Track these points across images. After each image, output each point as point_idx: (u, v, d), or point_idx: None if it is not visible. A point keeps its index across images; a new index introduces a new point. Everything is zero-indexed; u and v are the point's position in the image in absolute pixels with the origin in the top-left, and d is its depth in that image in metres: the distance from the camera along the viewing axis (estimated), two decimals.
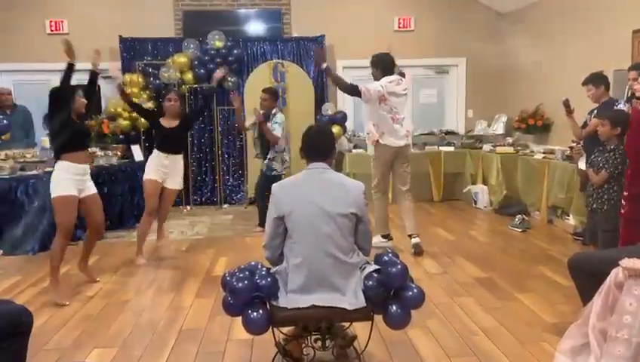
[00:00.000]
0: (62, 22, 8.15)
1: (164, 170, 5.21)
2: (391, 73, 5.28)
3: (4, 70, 8.22)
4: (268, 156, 6.10)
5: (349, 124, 8.14)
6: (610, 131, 3.94)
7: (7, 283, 4.63)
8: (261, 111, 6.05)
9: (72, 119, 4.28)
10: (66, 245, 4.29)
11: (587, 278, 3.12)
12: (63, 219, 4.18)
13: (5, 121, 6.09)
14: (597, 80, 5.02)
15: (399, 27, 8.58)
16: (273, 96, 6.20)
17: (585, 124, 5.16)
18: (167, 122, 5.27)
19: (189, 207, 7.90)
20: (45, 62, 8.15)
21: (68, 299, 4.18)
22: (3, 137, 6.10)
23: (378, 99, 5.15)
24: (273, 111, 6.14)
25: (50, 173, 4.55)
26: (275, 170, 6.09)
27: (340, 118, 7.72)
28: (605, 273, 2.78)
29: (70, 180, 4.21)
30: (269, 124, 6.01)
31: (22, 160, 5.99)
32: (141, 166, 6.84)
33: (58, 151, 4.28)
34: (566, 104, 5.21)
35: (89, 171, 4.47)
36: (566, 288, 4.14)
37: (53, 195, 4.21)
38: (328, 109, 7.79)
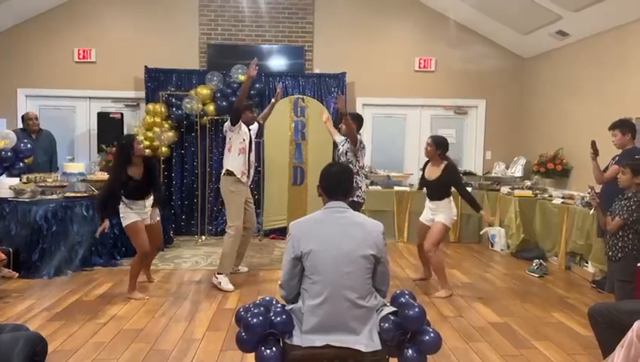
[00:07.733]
0: (90, 50, 8.35)
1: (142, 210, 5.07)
2: None
3: (30, 95, 8.41)
4: None
5: (366, 160, 8.17)
6: (632, 179, 3.91)
7: (22, 307, 4.65)
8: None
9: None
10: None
11: (607, 329, 3.06)
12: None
13: (29, 145, 6.21)
14: (625, 126, 4.99)
15: (420, 67, 8.67)
16: (352, 121, 5.37)
17: (607, 169, 5.12)
18: (135, 171, 4.90)
19: (203, 238, 7.91)
20: (71, 89, 8.37)
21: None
22: (26, 161, 6.19)
23: None
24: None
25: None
26: (358, 196, 5.45)
27: None
28: (625, 324, 2.72)
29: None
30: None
31: (43, 184, 6.02)
32: None
33: None
34: (593, 146, 5.19)
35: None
36: (584, 337, 4.06)
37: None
38: None
